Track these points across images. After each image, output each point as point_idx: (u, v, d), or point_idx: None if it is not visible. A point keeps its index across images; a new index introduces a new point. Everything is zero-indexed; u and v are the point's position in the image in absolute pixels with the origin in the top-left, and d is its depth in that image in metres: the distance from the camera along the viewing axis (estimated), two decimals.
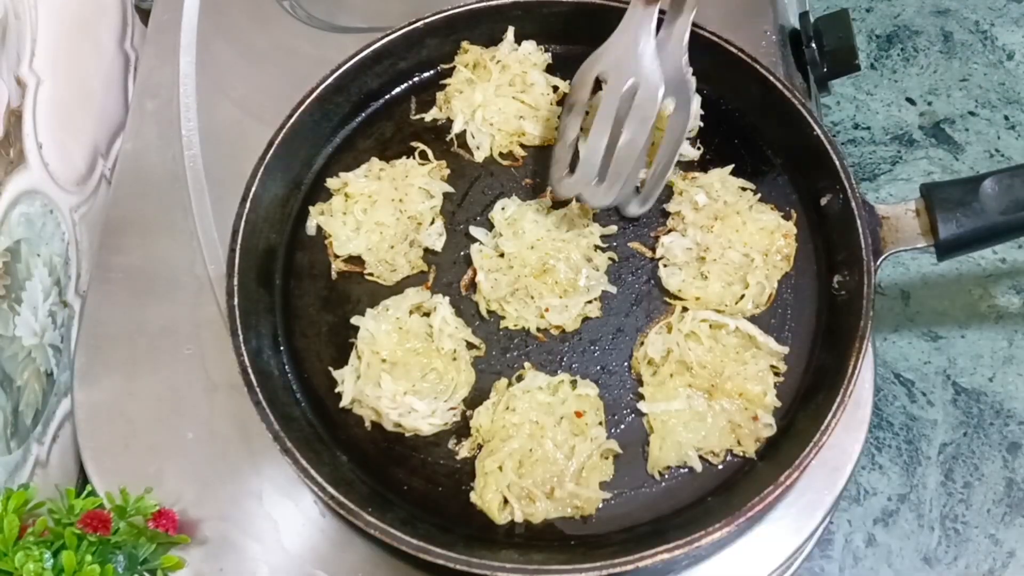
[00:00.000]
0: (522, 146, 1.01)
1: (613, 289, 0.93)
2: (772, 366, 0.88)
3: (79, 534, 0.77)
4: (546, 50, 1.04)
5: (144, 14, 1.19)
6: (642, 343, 0.90)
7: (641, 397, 0.88)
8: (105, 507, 0.81)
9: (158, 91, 1.10)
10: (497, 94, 1.01)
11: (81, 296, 1.01)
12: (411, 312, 0.91)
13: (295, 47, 1.12)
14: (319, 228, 0.97)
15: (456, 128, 1.01)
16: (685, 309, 0.90)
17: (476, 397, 0.89)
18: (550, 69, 1.04)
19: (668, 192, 0.97)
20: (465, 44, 1.03)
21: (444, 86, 1.03)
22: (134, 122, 1.08)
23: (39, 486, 0.84)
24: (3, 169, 0.89)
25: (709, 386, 0.86)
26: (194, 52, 1.12)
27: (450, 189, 0.98)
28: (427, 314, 0.91)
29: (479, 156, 1.00)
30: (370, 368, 0.87)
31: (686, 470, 0.85)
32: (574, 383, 0.88)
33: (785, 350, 0.89)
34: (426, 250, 0.96)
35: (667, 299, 0.92)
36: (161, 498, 0.85)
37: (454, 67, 1.03)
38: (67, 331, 0.99)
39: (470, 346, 0.90)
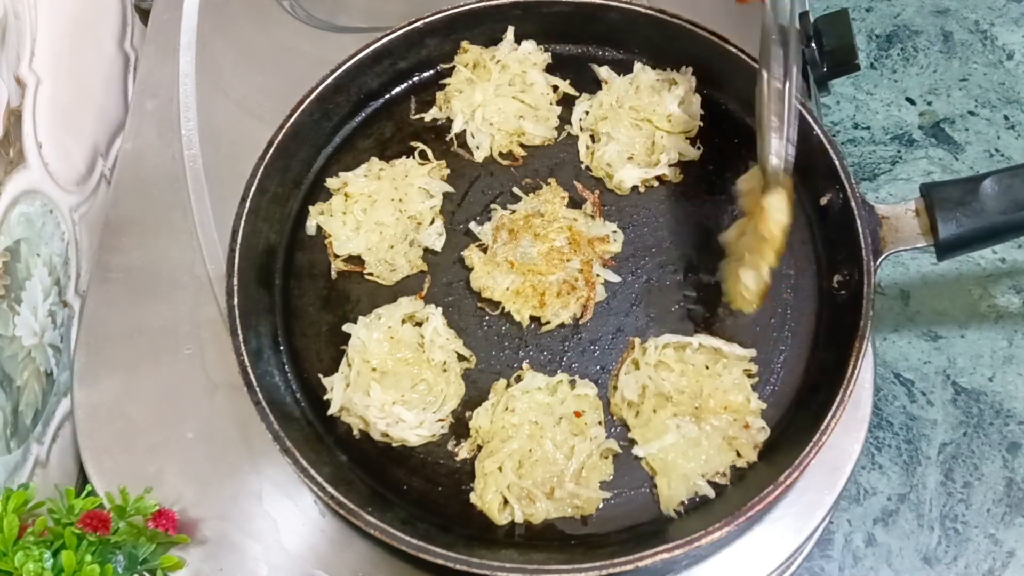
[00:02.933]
0: (522, 146, 1.01)
1: (615, 278, 0.93)
2: (745, 370, 0.87)
3: (79, 534, 0.77)
4: (546, 50, 1.04)
5: (144, 14, 1.19)
6: (615, 387, 0.89)
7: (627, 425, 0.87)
8: (105, 507, 0.81)
9: (158, 91, 1.10)
10: (497, 94, 1.01)
11: (81, 296, 1.01)
12: (403, 321, 0.90)
13: (295, 47, 1.12)
14: (319, 228, 0.97)
15: (456, 128, 1.01)
16: (644, 344, 0.90)
17: (475, 399, 0.89)
18: (550, 69, 1.04)
19: None
20: (465, 44, 1.03)
21: (444, 86, 1.03)
22: (134, 122, 1.08)
23: (39, 486, 0.84)
24: (3, 169, 0.89)
25: (693, 409, 0.85)
26: (194, 52, 1.12)
27: (450, 189, 0.98)
28: (419, 324, 0.91)
29: (479, 156, 1.00)
30: (360, 376, 0.87)
31: (699, 499, 0.84)
32: (573, 383, 0.88)
33: (752, 352, 0.88)
34: (426, 250, 0.96)
35: None
36: (161, 498, 0.85)
37: (454, 67, 1.03)
38: (67, 331, 0.99)
39: (461, 358, 0.90)
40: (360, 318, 0.90)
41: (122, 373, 0.94)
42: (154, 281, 0.99)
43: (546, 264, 0.92)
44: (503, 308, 0.92)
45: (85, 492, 0.83)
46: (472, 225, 0.96)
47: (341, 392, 0.87)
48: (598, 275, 0.93)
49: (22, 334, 0.90)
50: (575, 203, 0.97)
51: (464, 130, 1.01)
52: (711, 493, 0.83)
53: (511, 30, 1.03)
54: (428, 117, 1.03)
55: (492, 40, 1.04)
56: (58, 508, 0.80)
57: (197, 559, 0.85)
